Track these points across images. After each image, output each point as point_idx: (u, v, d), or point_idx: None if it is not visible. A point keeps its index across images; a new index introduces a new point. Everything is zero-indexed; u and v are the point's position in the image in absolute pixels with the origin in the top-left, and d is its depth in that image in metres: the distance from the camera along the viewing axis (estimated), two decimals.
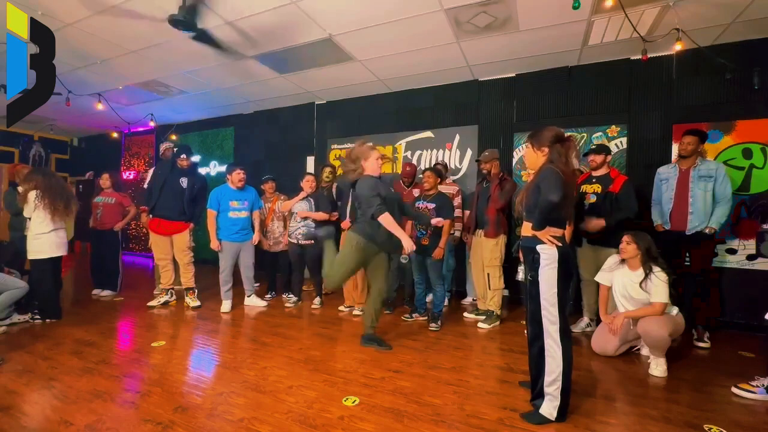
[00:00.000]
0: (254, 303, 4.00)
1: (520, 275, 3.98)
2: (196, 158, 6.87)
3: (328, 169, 4.45)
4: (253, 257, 3.99)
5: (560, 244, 1.82)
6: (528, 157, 2.00)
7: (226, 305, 3.80)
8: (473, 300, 3.93)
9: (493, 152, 3.52)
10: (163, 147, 4.22)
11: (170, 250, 3.97)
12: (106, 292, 4.42)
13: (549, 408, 1.85)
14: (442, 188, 3.82)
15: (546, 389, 1.85)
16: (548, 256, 1.82)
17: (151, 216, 3.92)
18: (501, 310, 3.56)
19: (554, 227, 1.83)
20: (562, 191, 1.72)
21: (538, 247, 1.85)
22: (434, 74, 4.56)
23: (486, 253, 3.47)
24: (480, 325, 3.46)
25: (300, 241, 3.92)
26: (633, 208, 3.05)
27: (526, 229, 1.92)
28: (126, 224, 4.67)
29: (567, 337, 1.83)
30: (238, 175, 3.85)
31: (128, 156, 7.98)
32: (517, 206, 2.05)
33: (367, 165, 2.70)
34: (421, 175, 3.60)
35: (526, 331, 2.53)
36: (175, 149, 4.08)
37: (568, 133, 1.96)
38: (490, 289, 3.50)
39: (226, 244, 3.80)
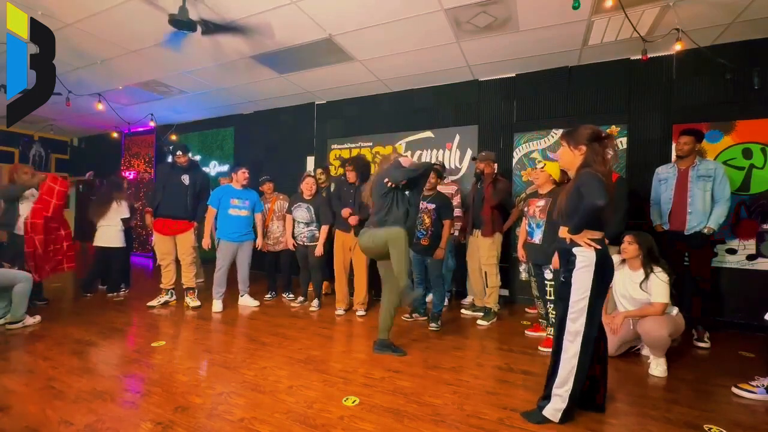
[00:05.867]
0: (247, 303, 4.02)
1: (524, 275, 4.01)
2: (196, 157, 6.90)
3: (319, 170, 4.47)
4: (250, 258, 4.01)
5: (599, 247, 1.74)
6: (563, 155, 1.92)
7: (217, 305, 3.81)
8: (473, 300, 3.96)
9: (489, 154, 3.61)
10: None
11: (173, 251, 3.97)
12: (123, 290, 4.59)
13: (552, 410, 1.81)
14: (441, 188, 3.85)
15: (555, 390, 1.81)
16: (585, 258, 1.75)
17: (154, 217, 3.93)
18: (498, 307, 3.61)
19: (592, 230, 1.76)
20: (608, 195, 1.65)
21: (575, 250, 1.78)
22: (434, 74, 4.56)
23: (483, 251, 3.52)
24: (479, 322, 3.50)
25: (305, 243, 3.93)
26: (621, 207, 3.05)
27: (564, 233, 1.85)
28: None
29: (588, 343, 1.75)
30: (243, 174, 3.91)
31: (128, 156, 7.98)
32: (555, 212, 1.96)
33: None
34: None
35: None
36: (171, 147, 4.10)
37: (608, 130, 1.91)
38: (487, 286, 3.54)
39: (224, 244, 3.82)
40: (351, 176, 3.68)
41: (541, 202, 2.93)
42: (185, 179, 3.91)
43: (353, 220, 3.58)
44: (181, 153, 3.90)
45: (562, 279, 1.84)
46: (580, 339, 1.75)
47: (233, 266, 3.97)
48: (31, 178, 3.73)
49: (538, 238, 2.93)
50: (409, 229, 2.70)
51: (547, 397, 1.86)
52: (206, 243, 3.81)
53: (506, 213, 3.76)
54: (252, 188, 4.07)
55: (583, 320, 1.73)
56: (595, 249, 1.74)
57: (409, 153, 5.03)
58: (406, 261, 2.61)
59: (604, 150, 1.78)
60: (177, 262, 4.02)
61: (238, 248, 3.91)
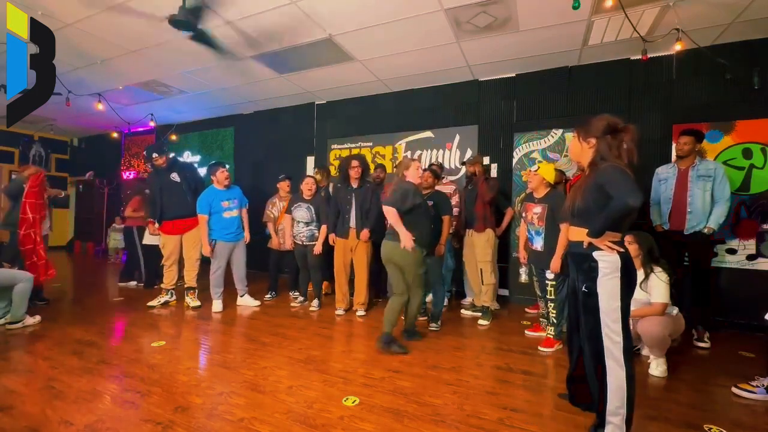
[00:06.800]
0: (247, 303, 4.01)
1: (524, 277, 4.02)
2: (196, 158, 6.90)
3: (315, 170, 4.48)
4: (245, 256, 4.01)
5: (622, 250, 1.57)
6: (572, 147, 1.76)
7: (217, 305, 3.80)
8: (472, 300, 3.96)
9: (476, 157, 3.77)
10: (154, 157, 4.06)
11: (178, 250, 3.97)
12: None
13: None
14: (440, 188, 3.88)
15: (609, 418, 1.59)
16: (609, 264, 1.56)
17: (159, 224, 3.93)
18: (496, 305, 3.65)
19: (611, 231, 1.57)
20: (642, 192, 1.46)
21: (596, 254, 1.59)
22: (434, 74, 4.56)
23: (477, 249, 3.55)
24: (480, 321, 3.52)
25: (304, 242, 3.93)
26: None
27: (578, 235, 1.67)
28: None
29: (631, 357, 1.58)
30: (223, 174, 3.86)
31: (128, 156, 7.98)
32: (565, 209, 1.80)
33: (408, 173, 2.95)
34: None
35: (564, 346, 2.48)
36: (145, 152, 4.09)
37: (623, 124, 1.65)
38: (483, 284, 3.56)
39: (220, 245, 3.81)
40: (356, 172, 3.62)
41: (538, 209, 2.92)
42: (175, 177, 3.91)
43: (364, 236, 3.58)
44: (157, 155, 3.90)
45: (584, 289, 1.64)
46: (622, 355, 1.56)
47: (230, 267, 3.97)
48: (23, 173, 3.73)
49: (539, 245, 2.93)
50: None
51: (600, 426, 1.64)
52: (207, 250, 3.78)
53: (500, 214, 3.78)
54: (241, 187, 4.08)
55: (620, 331, 1.56)
56: (618, 252, 1.56)
57: (409, 153, 5.03)
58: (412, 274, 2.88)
59: (620, 143, 1.59)
60: (179, 263, 4.02)
61: (234, 247, 3.90)
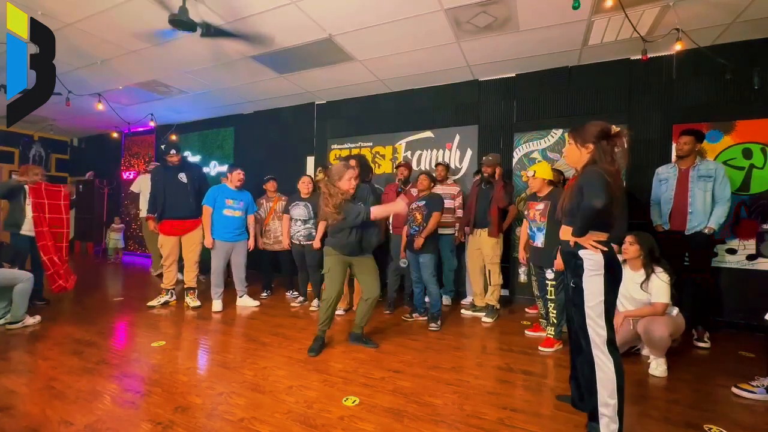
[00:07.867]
0: (246, 303, 4.01)
1: (523, 277, 4.01)
2: (196, 158, 6.90)
3: (318, 169, 4.48)
4: (246, 258, 4.00)
5: (606, 249, 1.65)
6: (570, 153, 1.82)
7: (217, 305, 3.80)
8: (472, 300, 3.96)
9: (496, 156, 3.69)
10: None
11: (177, 251, 3.97)
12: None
13: None
14: (444, 189, 3.90)
15: (601, 410, 1.64)
16: (593, 262, 1.65)
17: (158, 222, 3.92)
18: (498, 305, 3.66)
19: (598, 231, 1.66)
20: (608, 196, 1.56)
21: (581, 253, 1.69)
22: (434, 74, 4.56)
23: (487, 250, 3.56)
24: (484, 319, 3.55)
25: (302, 242, 3.93)
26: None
27: (566, 234, 1.76)
28: None
29: (615, 348, 1.66)
30: (238, 175, 3.89)
31: (128, 156, 7.99)
32: (558, 210, 1.90)
33: (341, 184, 2.74)
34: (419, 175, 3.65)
35: (565, 346, 2.49)
36: (162, 147, 4.08)
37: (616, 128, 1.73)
38: (490, 284, 3.59)
39: (218, 243, 3.81)
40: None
41: (540, 206, 2.93)
42: (183, 177, 3.91)
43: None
44: (174, 152, 3.91)
45: (572, 285, 1.74)
46: (606, 347, 1.65)
47: (230, 267, 3.97)
48: (33, 176, 3.72)
49: (540, 241, 2.94)
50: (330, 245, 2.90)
51: (593, 418, 1.70)
52: (209, 242, 3.78)
53: (505, 213, 3.79)
54: (246, 189, 4.05)
55: (604, 324, 1.65)
56: (602, 251, 1.65)
57: (409, 153, 5.03)
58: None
59: (613, 148, 1.68)
60: (179, 262, 4.02)
61: (233, 248, 3.90)
